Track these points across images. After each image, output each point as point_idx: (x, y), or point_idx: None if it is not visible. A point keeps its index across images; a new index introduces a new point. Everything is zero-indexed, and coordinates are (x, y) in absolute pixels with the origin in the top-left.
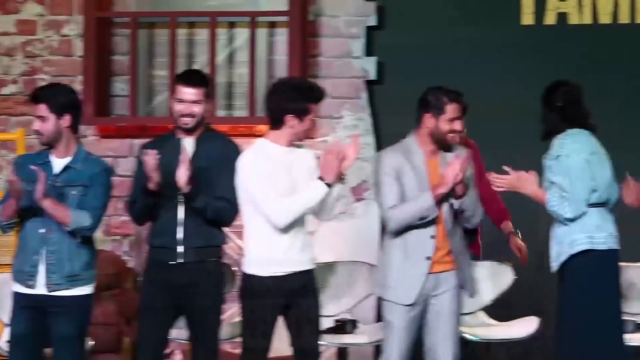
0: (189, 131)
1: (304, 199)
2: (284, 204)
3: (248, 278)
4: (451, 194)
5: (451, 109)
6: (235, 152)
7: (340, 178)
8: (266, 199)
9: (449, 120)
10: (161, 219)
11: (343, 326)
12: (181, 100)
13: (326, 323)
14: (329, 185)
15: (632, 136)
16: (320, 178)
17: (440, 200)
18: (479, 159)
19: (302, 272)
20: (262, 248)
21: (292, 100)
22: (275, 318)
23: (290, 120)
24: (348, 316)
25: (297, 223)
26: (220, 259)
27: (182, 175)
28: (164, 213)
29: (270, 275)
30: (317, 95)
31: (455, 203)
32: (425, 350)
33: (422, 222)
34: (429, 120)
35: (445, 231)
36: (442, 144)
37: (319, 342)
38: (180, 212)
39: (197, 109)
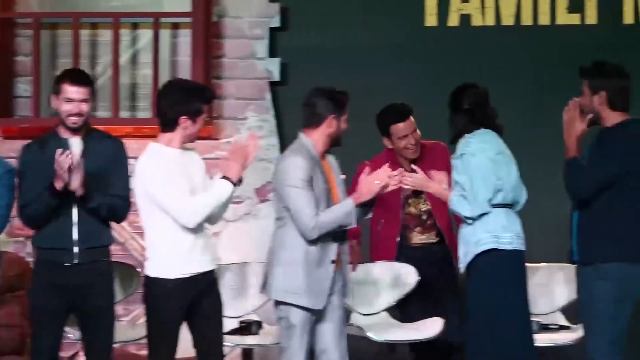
0: (75, 130)
1: (211, 198)
2: (192, 203)
3: (152, 280)
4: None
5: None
6: (123, 149)
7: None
8: (173, 200)
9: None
10: (53, 221)
11: (248, 327)
12: (69, 100)
13: (231, 324)
14: (234, 184)
15: (533, 137)
16: (225, 177)
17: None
18: (447, 160)
19: (206, 273)
20: (165, 250)
21: (185, 101)
22: (181, 320)
23: (184, 122)
24: (253, 317)
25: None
26: (109, 259)
27: (76, 177)
28: (57, 214)
29: (175, 277)
30: (208, 95)
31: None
32: (318, 352)
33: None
34: (332, 122)
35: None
36: (338, 143)
37: (222, 343)
38: (74, 213)
39: (85, 107)
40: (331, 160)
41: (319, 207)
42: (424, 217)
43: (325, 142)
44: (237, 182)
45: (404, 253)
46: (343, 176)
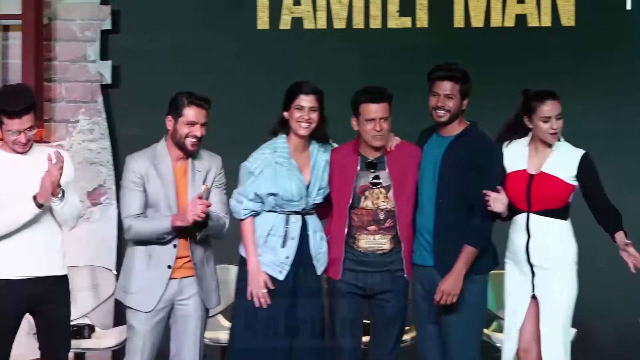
0: None
1: (9, 219)
2: None
3: None
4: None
5: (190, 112)
6: None
7: (56, 194)
8: None
9: (187, 123)
10: None
11: (80, 331)
12: None
13: None
14: (40, 205)
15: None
16: (34, 197)
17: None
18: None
19: (46, 278)
20: None
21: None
22: (16, 324)
23: None
24: (85, 321)
25: (35, 226)
26: None
27: None
28: None
29: (5, 278)
30: (10, 110)
31: (197, 233)
32: (171, 355)
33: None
34: (169, 123)
35: (188, 241)
36: (182, 149)
37: (68, 348)
38: None
39: None
40: (197, 165)
41: (156, 210)
42: (381, 215)
43: (175, 146)
44: (56, 198)
45: (349, 258)
46: (204, 186)
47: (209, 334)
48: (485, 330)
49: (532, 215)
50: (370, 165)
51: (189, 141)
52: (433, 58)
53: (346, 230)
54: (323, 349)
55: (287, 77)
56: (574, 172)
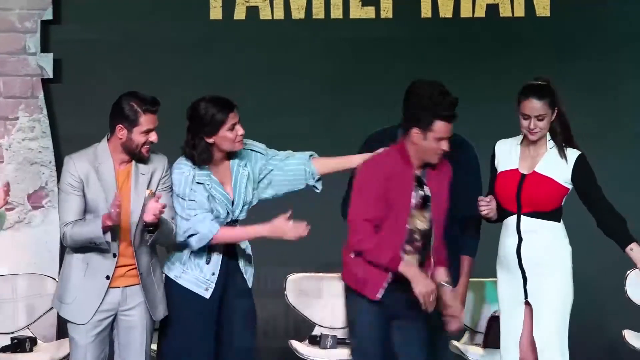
0: None
1: None
2: None
3: None
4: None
5: (146, 120)
6: None
7: None
8: None
9: (142, 132)
10: None
11: (21, 344)
12: None
13: (1, 341)
14: None
15: (327, 135)
16: None
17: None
18: None
19: None
20: None
21: None
22: None
23: None
24: (26, 333)
25: None
26: None
27: None
28: None
29: None
30: None
31: (148, 237)
32: None
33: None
34: (121, 132)
35: (132, 248)
36: (136, 156)
37: None
38: None
39: None
40: (141, 168)
41: (96, 215)
42: (417, 235)
43: (120, 150)
44: None
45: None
46: (148, 191)
47: (156, 346)
48: (456, 343)
49: (523, 217)
50: (419, 182)
51: (145, 148)
52: (398, 50)
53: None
54: None
55: (242, 70)
56: (569, 174)
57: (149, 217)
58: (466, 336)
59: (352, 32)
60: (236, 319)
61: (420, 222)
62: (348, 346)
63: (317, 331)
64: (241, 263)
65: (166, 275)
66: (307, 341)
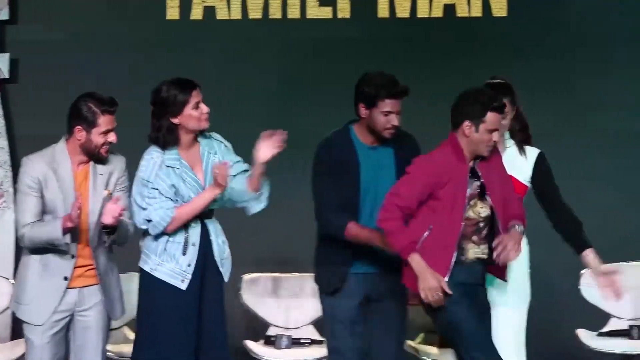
0: None
1: None
2: None
3: None
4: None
5: (104, 121)
6: None
7: None
8: None
9: (101, 133)
10: None
11: None
12: None
13: None
14: None
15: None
16: None
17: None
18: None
19: None
20: None
21: None
22: None
23: None
24: None
25: None
26: None
27: None
28: None
29: None
30: None
31: (107, 239)
32: None
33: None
34: (79, 133)
35: (90, 248)
36: (95, 157)
37: None
38: None
39: None
40: (99, 169)
41: (54, 216)
42: (482, 224)
43: (79, 151)
44: None
45: (456, 273)
46: (106, 192)
47: (112, 347)
48: (411, 343)
49: None
50: (473, 173)
51: (104, 149)
52: (355, 50)
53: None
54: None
55: (199, 71)
56: (529, 171)
57: (108, 220)
58: (421, 336)
59: (309, 32)
60: (214, 312)
61: (482, 210)
62: (304, 346)
63: (272, 331)
64: (217, 256)
65: (141, 269)
66: (262, 341)
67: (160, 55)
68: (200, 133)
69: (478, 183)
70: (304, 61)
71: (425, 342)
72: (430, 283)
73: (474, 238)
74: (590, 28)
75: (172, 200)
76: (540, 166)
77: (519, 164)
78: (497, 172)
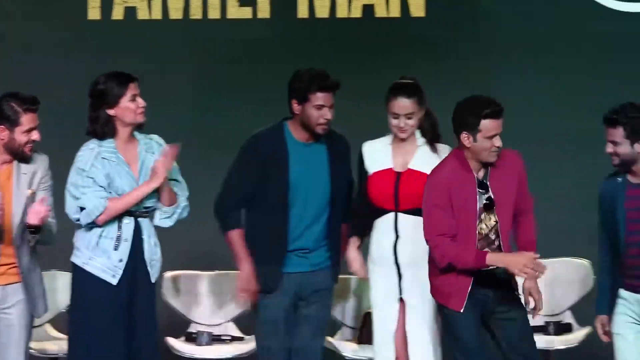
0: None
1: None
2: None
3: None
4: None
5: (27, 119)
6: None
7: None
8: None
9: (25, 131)
10: None
11: None
12: None
13: None
14: None
15: (204, 136)
16: None
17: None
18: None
19: None
20: None
21: None
22: None
23: None
24: None
25: None
26: None
27: None
28: None
29: None
30: None
31: (31, 239)
32: None
33: None
34: (3, 133)
35: (14, 247)
36: (19, 156)
37: None
38: None
39: None
40: (23, 168)
41: None
42: (492, 236)
43: (2, 151)
44: None
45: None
46: (29, 191)
47: (35, 344)
48: (330, 339)
49: (400, 215)
50: (482, 185)
51: (28, 147)
52: (275, 50)
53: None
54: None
55: (120, 70)
56: None
57: (33, 220)
58: (340, 332)
59: (229, 33)
60: (144, 311)
61: (490, 224)
62: (225, 343)
63: (193, 328)
64: (147, 256)
65: (73, 263)
66: (183, 338)
67: (82, 55)
68: (140, 132)
69: (485, 196)
70: (224, 61)
71: (345, 338)
72: (520, 261)
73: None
74: (506, 28)
75: (105, 190)
76: None
77: (432, 161)
78: (511, 181)
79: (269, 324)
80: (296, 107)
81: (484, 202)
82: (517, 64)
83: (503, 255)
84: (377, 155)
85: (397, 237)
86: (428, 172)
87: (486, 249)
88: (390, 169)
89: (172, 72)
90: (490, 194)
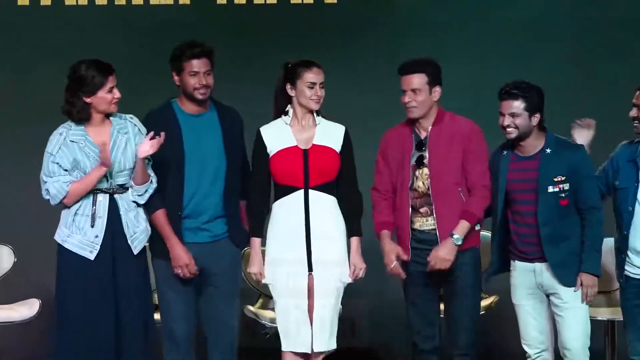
0: None
1: None
2: None
3: None
4: None
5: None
6: None
7: None
8: None
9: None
10: None
11: None
12: None
13: None
14: None
15: None
16: None
17: None
18: None
19: None
20: None
21: None
22: None
23: None
24: None
25: None
26: None
27: None
28: None
29: None
30: None
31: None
32: None
33: None
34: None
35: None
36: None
37: None
38: None
39: None
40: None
41: None
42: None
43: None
44: None
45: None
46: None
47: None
48: (251, 307)
49: (310, 191)
50: (418, 144)
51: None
52: (195, 34)
53: (409, 213)
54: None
55: (49, 56)
56: (339, 146)
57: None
58: (260, 301)
59: (152, 17)
60: (129, 285)
61: (427, 183)
62: None
63: None
64: (126, 230)
65: (55, 241)
66: None
67: (11, 40)
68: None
69: (418, 154)
70: (147, 46)
71: (264, 307)
72: (387, 254)
73: (422, 210)
74: (417, 14)
75: (70, 174)
76: (346, 140)
77: (332, 136)
78: (449, 143)
79: (170, 292)
80: (176, 79)
81: (415, 160)
82: (428, 49)
83: (387, 242)
84: (278, 134)
85: (307, 213)
86: (331, 145)
87: (424, 208)
88: (296, 146)
89: (96, 57)
90: (425, 152)
